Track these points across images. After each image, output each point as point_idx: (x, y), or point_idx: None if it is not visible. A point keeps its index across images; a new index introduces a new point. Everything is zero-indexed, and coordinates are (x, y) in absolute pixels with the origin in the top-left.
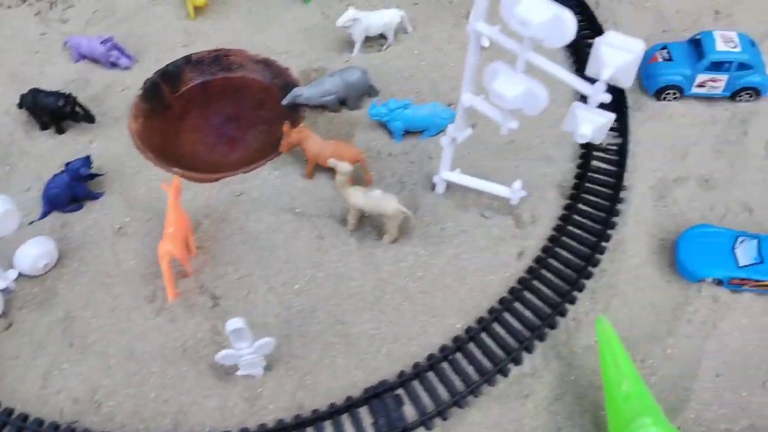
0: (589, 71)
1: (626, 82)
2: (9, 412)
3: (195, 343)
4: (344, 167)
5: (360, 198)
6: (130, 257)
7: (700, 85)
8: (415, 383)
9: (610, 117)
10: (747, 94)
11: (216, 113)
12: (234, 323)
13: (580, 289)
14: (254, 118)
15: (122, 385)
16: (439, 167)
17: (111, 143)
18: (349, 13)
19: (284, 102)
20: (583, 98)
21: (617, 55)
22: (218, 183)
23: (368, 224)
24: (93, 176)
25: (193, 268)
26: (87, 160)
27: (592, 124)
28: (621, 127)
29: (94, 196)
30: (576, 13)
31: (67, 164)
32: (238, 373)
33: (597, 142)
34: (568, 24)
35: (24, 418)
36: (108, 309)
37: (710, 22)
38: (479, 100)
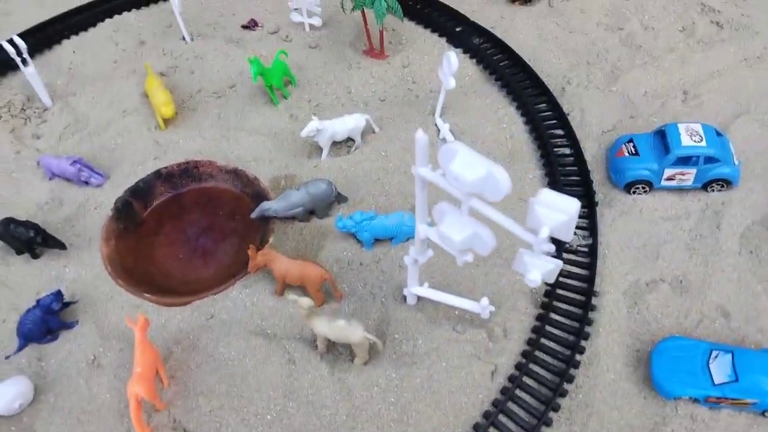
0: (530, 224)
1: (566, 237)
2: None
3: None
4: (305, 302)
5: (325, 327)
6: (104, 391)
7: (669, 179)
8: None
9: (557, 263)
10: (718, 184)
11: (190, 225)
12: None
13: (555, 409)
14: (227, 229)
15: None
16: (407, 282)
17: (84, 268)
18: (313, 124)
19: (253, 215)
20: None
21: (553, 215)
22: (189, 306)
23: (340, 346)
24: (67, 304)
25: (164, 402)
26: (58, 295)
27: (541, 269)
28: (591, 226)
29: (69, 326)
30: (541, 102)
31: (38, 300)
32: None
33: (549, 281)
34: (502, 181)
35: None
36: None
37: (679, 105)
38: (434, 234)
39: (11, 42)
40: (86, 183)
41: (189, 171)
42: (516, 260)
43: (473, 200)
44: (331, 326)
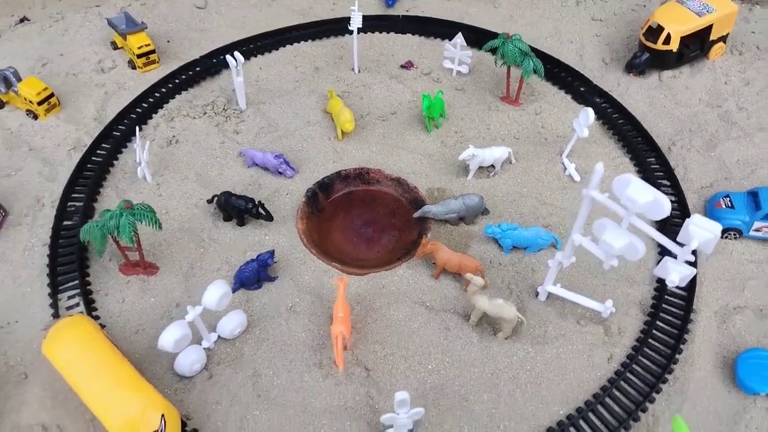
0: (680, 239)
1: (707, 251)
2: None
3: (354, 404)
4: (478, 281)
5: (485, 304)
6: (300, 330)
7: (757, 230)
8: None
9: (693, 270)
10: None
11: (357, 218)
12: (401, 395)
13: (658, 391)
14: (387, 225)
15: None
16: (544, 280)
17: (281, 237)
18: (470, 151)
19: (415, 215)
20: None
21: (701, 233)
22: (366, 277)
23: (485, 322)
24: (268, 264)
25: (351, 344)
26: (272, 253)
27: (680, 274)
28: (692, 262)
29: (272, 279)
30: (651, 156)
31: (258, 255)
32: (387, 431)
33: (682, 284)
34: (664, 206)
35: None
36: (285, 370)
37: (766, 173)
38: (587, 241)
39: (233, 55)
40: (280, 174)
41: (362, 175)
42: (659, 266)
43: (633, 218)
44: (491, 303)
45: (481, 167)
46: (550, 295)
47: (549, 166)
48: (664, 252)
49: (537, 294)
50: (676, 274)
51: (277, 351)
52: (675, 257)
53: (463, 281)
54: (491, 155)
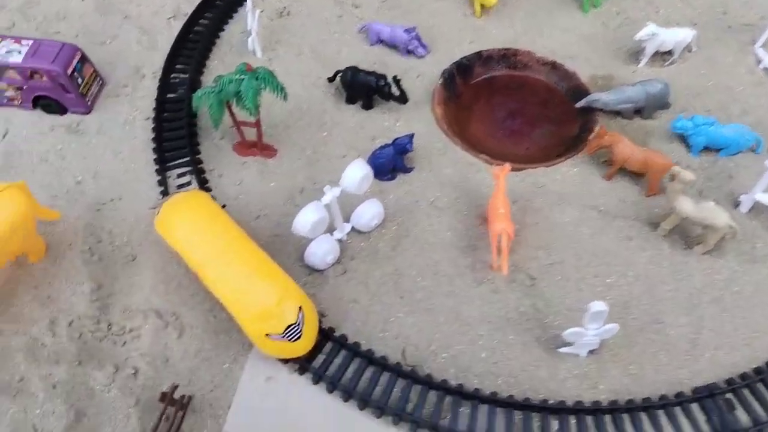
0: None
1: None
2: (357, 345)
3: (518, 315)
4: (688, 176)
5: (689, 207)
6: (444, 229)
7: None
8: (746, 392)
9: None
10: None
11: (499, 107)
12: (598, 305)
13: None
14: (538, 117)
15: (454, 341)
16: (753, 187)
17: (415, 124)
18: (650, 28)
19: (579, 104)
20: None
21: None
22: (521, 173)
23: (676, 233)
24: (406, 151)
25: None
26: (412, 138)
27: None
28: None
29: (407, 170)
30: None
31: (395, 140)
32: (563, 349)
33: None
34: None
35: (371, 353)
36: (431, 272)
37: None
38: None
39: None
40: (409, 53)
41: (507, 57)
42: None
43: None
44: (698, 206)
45: (656, 53)
46: (755, 207)
47: (738, 57)
48: None
49: (738, 204)
50: None
51: (420, 249)
52: None
53: (647, 181)
54: (673, 37)
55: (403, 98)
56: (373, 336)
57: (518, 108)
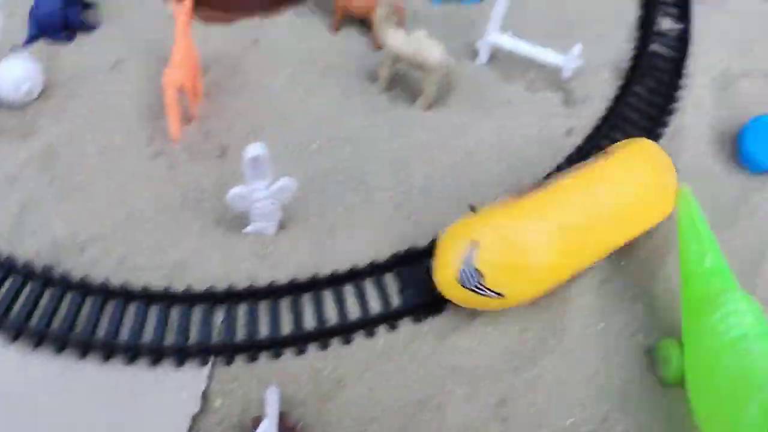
0: None
1: None
2: None
3: (198, 194)
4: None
5: (399, 40)
6: (126, 96)
7: None
8: None
9: None
10: None
11: None
12: (255, 148)
13: None
14: None
15: (111, 231)
16: (486, 29)
17: None
18: None
19: None
20: None
21: None
22: (231, 27)
23: (404, 89)
24: (87, 5)
25: (198, 114)
26: None
27: None
28: (682, 14)
29: (89, 27)
30: None
31: None
32: (248, 229)
33: None
34: None
35: (10, 260)
36: (98, 148)
37: None
38: None
39: None
40: None
41: None
42: None
43: None
44: (408, 37)
45: None
46: (494, 56)
47: None
48: None
49: (476, 54)
50: None
51: (88, 123)
52: None
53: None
54: None
55: None
56: (2, 232)
57: None
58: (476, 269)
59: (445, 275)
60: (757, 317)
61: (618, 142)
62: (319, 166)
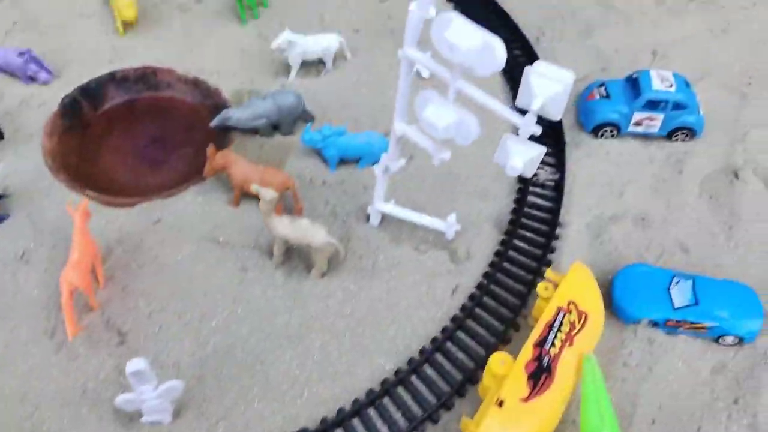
0: (520, 102)
1: (556, 113)
2: None
3: (97, 384)
4: (268, 194)
5: (286, 227)
6: (32, 287)
7: (637, 124)
8: (338, 431)
9: (540, 150)
10: (683, 134)
11: (141, 134)
12: (135, 364)
13: (516, 327)
14: (181, 141)
15: (12, 429)
16: (373, 198)
17: (22, 162)
18: (285, 36)
19: (213, 124)
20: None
21: (547, 85)
22: (135, 208)
23: (297, 258)
24: None
25: (99, 301)
26: None
27: (523, 156)
28: (558, 164)
29: None
30: (516, 48)
31: None
32: (143, 419)
33: (528, 175)
34: (497, 51)
35: None
36: (2, 343)
37: (647, 62)
38: (412, 130)
39: None
40: (32, 79)
41: (146, 77)
42: (498, 149)
43: (460, 82)
44: (293, 225)
45: (306, 63)
46: (385, 219)
47: (394, 61)
48: None
49: (368, 217)
50: (518, 158)
51: None
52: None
53: None
54: (316, 45)
55: None
56: None
57: (162, 134)
58: None
59: None
60: None
61: (551, 274)
62: (217, 344)
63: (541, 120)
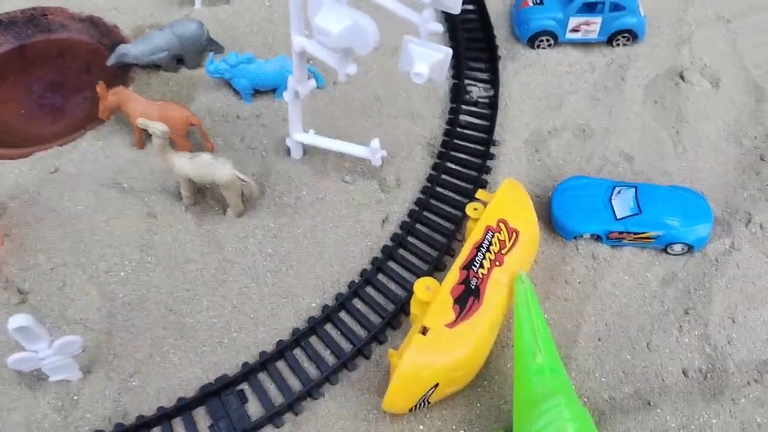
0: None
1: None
2: None
3: None
4: (158, 127)
5: (186, 165)
6: None
7: (575, 30)
8: (262, 375)
9: (447, 52)
10: (623, 37)
11: (37, 81)
12: (16, 320)
13: (451, 253)
14: (80, 85)
15: None
16: (289, 129)
17: None
18: None
19: (109, 62)
20: None
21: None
22: (29, 159)
23: (210, 198)
24: None
25: None
26: None
27: (428, 60)
28: (492, 79)
29: None
30: None
31: None
32: (51, 379)
33: (438, 82)
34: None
35: None
36: None
37: None
38: (312, 44)
39: None
40: None
41: (36, 19)
42: (402, 55)
43: None
44: (193, 161)
45: None
46: (308, 150)
47: None
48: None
49: (288, 151)
50: (422, 62)
51: None
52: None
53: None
54: None
55: None
56: None
57: (59, 78)
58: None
59: (402, 408)
60: (581, 425)
61: (482, 194)
62: (127, 296)
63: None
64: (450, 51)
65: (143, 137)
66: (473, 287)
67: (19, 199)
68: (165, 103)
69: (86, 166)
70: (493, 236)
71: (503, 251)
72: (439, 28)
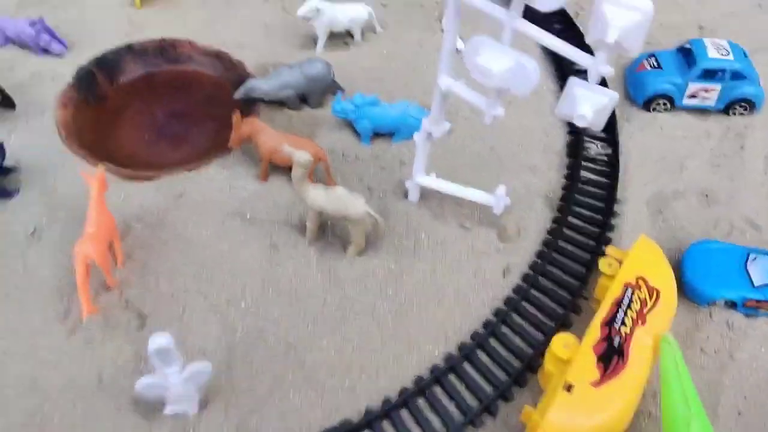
0: (591, 37)
1: (634, 47)
2: None
3: (114, 371)
4: (302, 156)
5: (320, 197)
6: (44, 266)
7: (692, 96)
8: (385, 424)
9: (612, 96)
10: (741, 107)
11: (160, 109)
12: (158, 340)
13: (577, 311)
14: (203, 115)
15: (18, 426)
16: (412, 171)
17: (34, 135)
18: (312, 3)
19: (237, 95)
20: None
21: (623, 14)
22: (155, 182)
23: (331, 234)
24: (7, 171)
25: (116, 280)
26: (1, 148)
27: (592, 104)
28: (610, 137)
29: (7, 194)
30: (557, 22)
31: None
32: (167, 410)
33: (598, 128)
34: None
35: None
36: (10, 328)
37: (694, 37)
38: (459, 85)
39: None
40: (45, 51)
41: (165, 50)
42: (563, 97)
43: (518, 22)
44: (328, 195)
45: (333, 35)
46: (424, 194)
47: (426, 35)
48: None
49: (406, 193)
50: (587, 105)
51: (2, 298)
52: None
53: None
54: (344, 15)
55: (8, 102)
56: None
57: (183, 108)
58: None
59: None
60: None
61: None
62: (247, 327)
63: None
64: (616, 95)
65: (268, 170)
66: (616, 345)
67: (144, 221)
68: (296, 136)
69: (212, 193)
70: (633, 293)
71: (645, 310)
72: (611, 71)
